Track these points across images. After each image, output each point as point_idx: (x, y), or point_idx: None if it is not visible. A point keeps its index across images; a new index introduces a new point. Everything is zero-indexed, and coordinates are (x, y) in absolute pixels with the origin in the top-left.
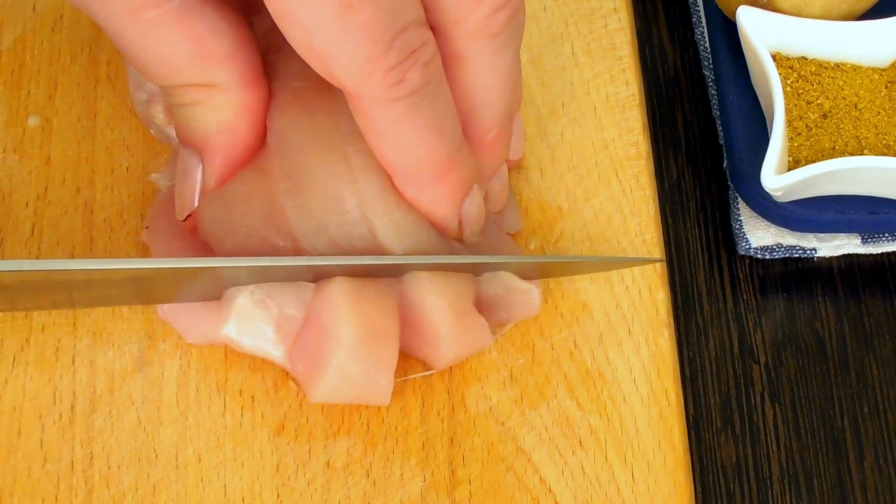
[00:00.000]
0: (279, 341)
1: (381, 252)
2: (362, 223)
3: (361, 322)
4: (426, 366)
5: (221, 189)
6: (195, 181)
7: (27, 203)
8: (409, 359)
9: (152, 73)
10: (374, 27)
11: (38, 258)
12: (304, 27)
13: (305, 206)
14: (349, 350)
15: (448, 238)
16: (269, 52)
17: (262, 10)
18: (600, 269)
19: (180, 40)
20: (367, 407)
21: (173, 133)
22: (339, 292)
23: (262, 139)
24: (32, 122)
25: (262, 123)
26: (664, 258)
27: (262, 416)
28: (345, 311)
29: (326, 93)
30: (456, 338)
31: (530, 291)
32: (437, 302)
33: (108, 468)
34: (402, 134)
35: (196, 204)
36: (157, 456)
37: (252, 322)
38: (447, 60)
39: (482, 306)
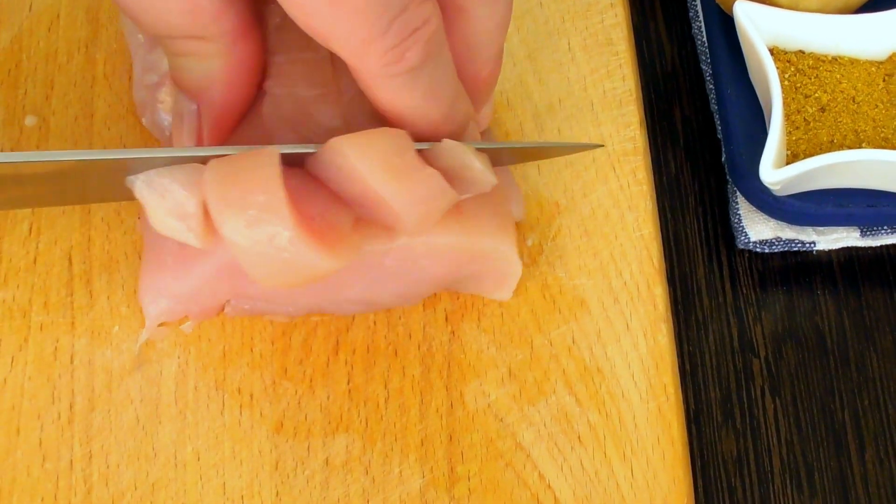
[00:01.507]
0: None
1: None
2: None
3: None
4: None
5: None
6: (191, 127)
7: None
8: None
9: (145, 24)
10: (368, 12)
11: (35, 258)
12: (302, 9)
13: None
14: (232, 234)
15: None
16: (273, 54)
17: (273, 2)
18: (543, 157)
19: None
20: (365, 404)
21: (168, 120)
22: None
23: (256, 92)
24: (29, 121)
25: (256, 75)
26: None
27: (261, 414)
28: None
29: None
30: (406, 196)
31: (483, 171)
32: (366, 164)
33: (107, 467)
34: (400, 102)
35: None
36: (155, 454)
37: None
38: (446, 11)
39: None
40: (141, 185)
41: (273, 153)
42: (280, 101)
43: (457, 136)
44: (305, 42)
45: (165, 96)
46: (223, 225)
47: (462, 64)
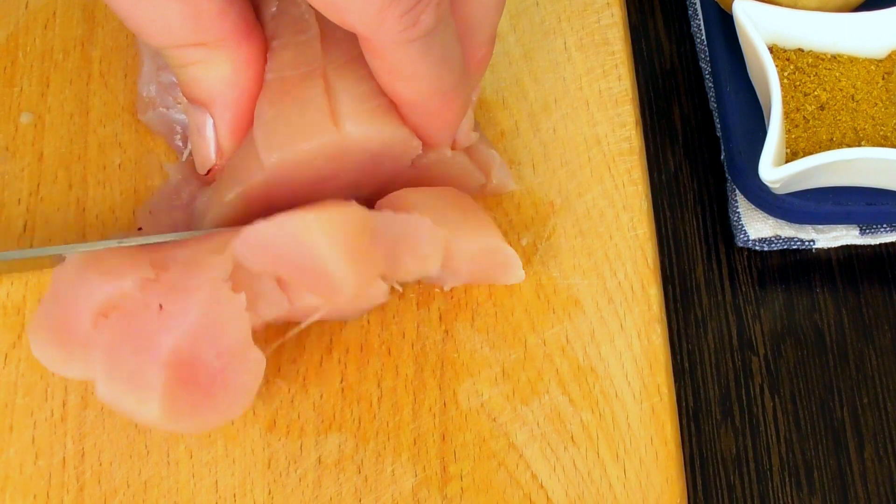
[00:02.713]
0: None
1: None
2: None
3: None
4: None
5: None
6: (209, 137)
7: (19, 200)
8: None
9: (148, 36)
10: None
11: None
12: None
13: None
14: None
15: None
16: (269, 41)
17: None
18: None
19: (171, 1)
20: (358, 402)
21: (175, 115)
22: None
23: None
24: (25, 119)
25: (262, 74)
26: None
27: (254, 413)
28: None
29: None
30: (352, 277)
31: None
32: (329, 245)
33: (100, 465)
34: (416, 71)
35: (213, 158)
36: (148, 452)
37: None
38: None
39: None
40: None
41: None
42: (269, 86)
43: (461, 116)
44: (298, 26)
45: (181, 97)
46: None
47: (461, 42)
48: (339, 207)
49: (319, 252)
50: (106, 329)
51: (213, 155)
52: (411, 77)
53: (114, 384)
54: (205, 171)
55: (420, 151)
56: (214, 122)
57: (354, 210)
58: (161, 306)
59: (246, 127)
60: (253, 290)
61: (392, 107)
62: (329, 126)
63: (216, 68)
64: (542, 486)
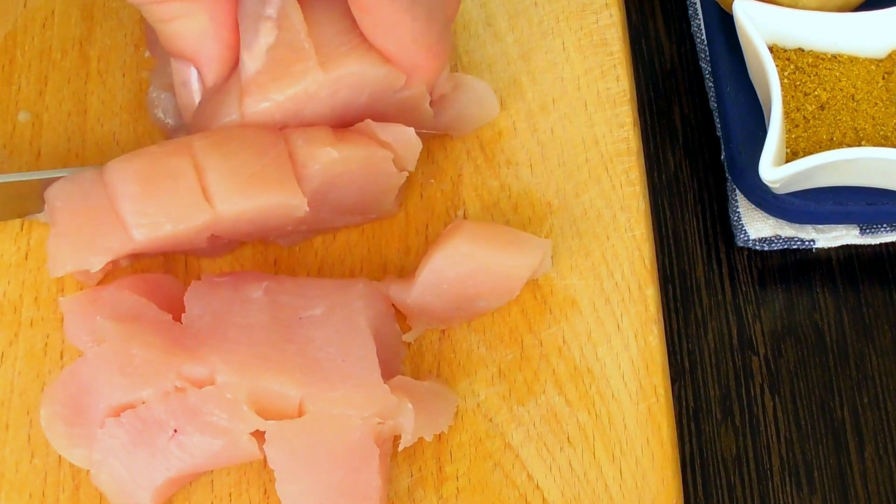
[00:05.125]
0: None
1: None
2: None
3: None
4: None
5: None
6: (194, 89)
7: None
8: None
9: None
10: None
11: (27, 254)
12: None
13: None
14: None
15: None
16: None
17: None
18: None
19: None
20: None
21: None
22: None
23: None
24: (23, 117)
25: (236, 21)
26: None
27: None
28: None
29: None
30: None
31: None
32: None
33: None
34: (402, 26)
35: (196, 104)
36: None
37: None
38: None
39: None
40: None
41: None
42: (133, 159)
43: (445, 62)
44: None
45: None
46: None
47: None
48: None
49: None
50: (114, 429)
51: (196, 103)
52: (397, 32)
53: (106, 484)
54: (189, 118)
55: (307, 209)
56: (200, 74)
57: None
58: (175, 431)
59: (228, 74)
60: None
61: (265, 176)
62: (202, 205)
63: (197, 21)
64: (538, 487)
